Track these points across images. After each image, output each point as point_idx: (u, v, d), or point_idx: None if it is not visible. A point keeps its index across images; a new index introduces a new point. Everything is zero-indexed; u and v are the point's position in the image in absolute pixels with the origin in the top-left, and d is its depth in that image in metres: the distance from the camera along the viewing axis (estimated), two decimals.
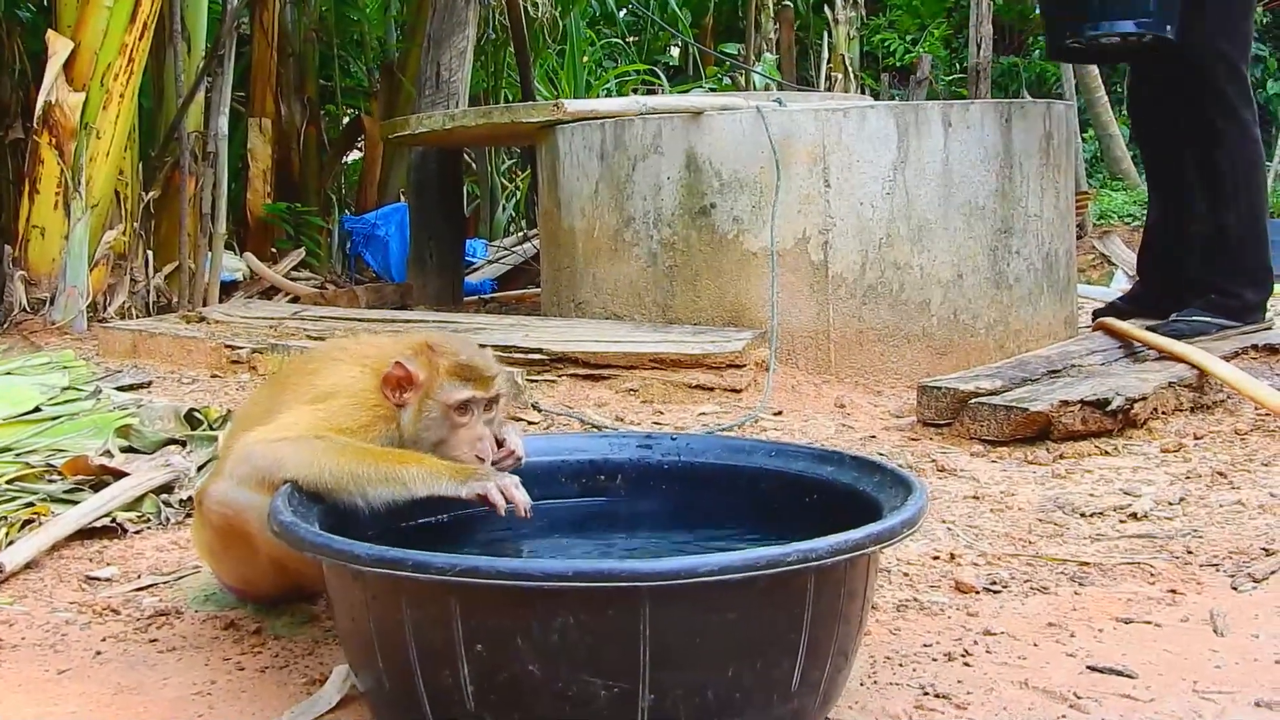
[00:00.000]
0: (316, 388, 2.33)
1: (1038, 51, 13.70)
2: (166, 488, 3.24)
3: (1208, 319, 4.80)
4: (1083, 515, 3.18)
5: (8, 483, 3.21)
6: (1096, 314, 5.28)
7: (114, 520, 3.04)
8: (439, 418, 2.32)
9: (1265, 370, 4.47)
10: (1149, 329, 4.79)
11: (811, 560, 1.77)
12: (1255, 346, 4.65)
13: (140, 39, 6.24)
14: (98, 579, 2.75)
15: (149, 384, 4.69)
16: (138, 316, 6.31)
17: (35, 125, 6.10)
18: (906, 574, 2.74)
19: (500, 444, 2.43)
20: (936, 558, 2.84)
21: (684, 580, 1.72)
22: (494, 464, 2.41)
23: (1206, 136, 4.86)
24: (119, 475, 3.23)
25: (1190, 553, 2.85)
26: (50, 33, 6.21)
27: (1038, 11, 5.65)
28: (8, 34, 7.30)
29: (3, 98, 6.98)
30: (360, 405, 2.29)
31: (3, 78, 7.06)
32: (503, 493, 2.14)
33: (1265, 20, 12.83)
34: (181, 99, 6.87)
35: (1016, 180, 4.95)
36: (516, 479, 2.17)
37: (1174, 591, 2.60)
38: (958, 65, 14.79)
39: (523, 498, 2.15)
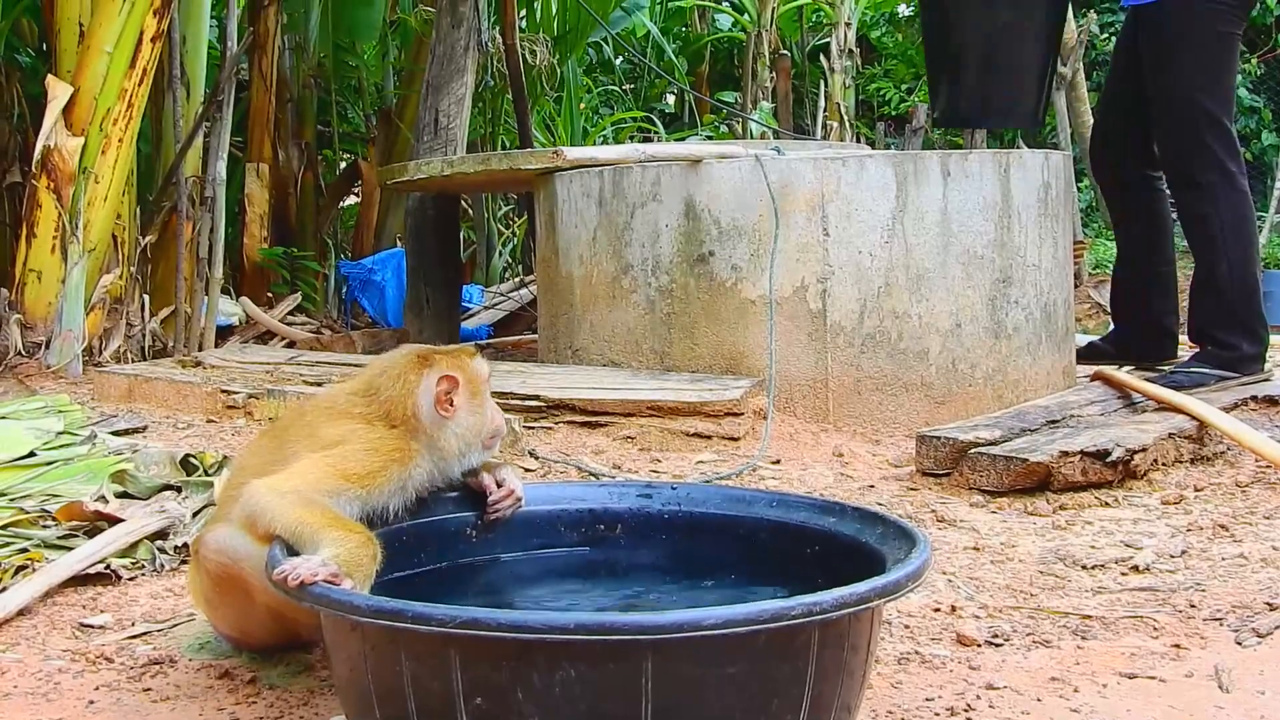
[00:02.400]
0: (322, 437, 2.33)
1: None
2: (161, 534, 3.22)
3: (1206, 370, 4.81)
4: (1084, 567, 3.16)
5: (1, 528, 3.19)
6: (1080, 353, 5.31)
7: (108, 566, 3.01)
8: (489, 398, 2.42)
9: (1265, 422, 4.47)
10: (1146, 380, 4.80)
11: (816, 614, 1.75)
12: (1255, 398, 4.65)
13: (140, 84, 6.26)
14: (91, 626, 2.72)
15: (144, 429, 4.67)
16: (133, 361, 6.29)
17: (33, 169, 6.10)
18: (907, 626, 2.71)
19: (500, 485, 2.44)
20: (937, 609, 2.82)
21: (687, 633, 1.70)
22: (495, 504, 2.43)
23: (1193, 189, 4.89)
24: (114, 521, 3.21)
25: (1193, 606, 2.82)
26: (50, 77, 6.22)
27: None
28: (7, 78, 7.33)
29: (1, 142, 6.99)
30: (372, 451, 2.29)
31: (1, 122, 7.07)
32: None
33: (1259, 71, 12.87)
34: (180, 144, 6.88)
35: (1015, 230, 4.95)
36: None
37: (1178, 646, 2.58)
38: None
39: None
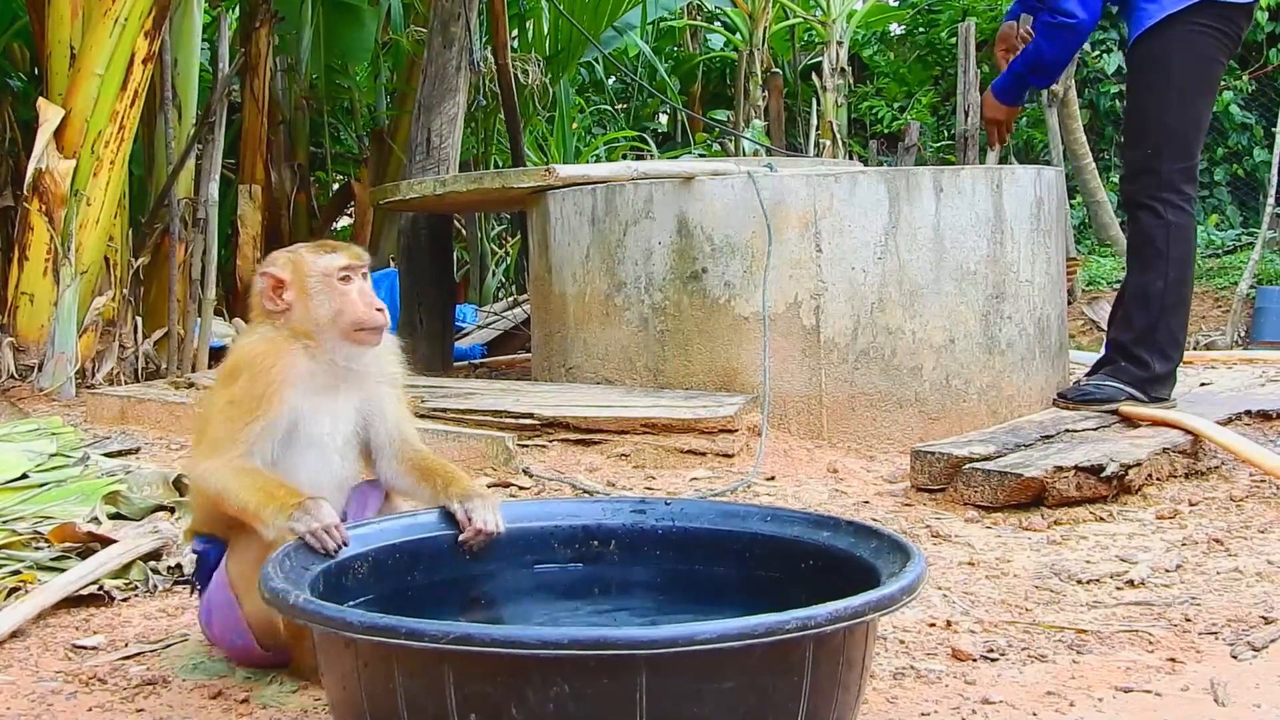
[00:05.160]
0: (224, 385, 2.45)
1: (1025, 119, 13.79)
2: (154, 554, 3.21)
3: (1119, 386, 4.75)
4: (1079, 582, 3.15)
5: None
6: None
7: (101, 588, 3.00)
8: (324, 290, 2.45)
9: (1259, 437, 4.47)
10: (1059, 396, 4.93)
11: (810, 628, 1.75)
12: (1249, 412, 4.65)
13: (131, 106, 6.27)
14: (84, 647, 2.71)
15: (137, 450, 4.66)
16: (126, 383, 6.28)
17: (25, 192, 6.11)
18: (903, 641, 2.71)
19: (470, 521, 2.39)
20: (933, 625, 2.81)
21: (681, 648, 1.70)
22: (464, 541, 2.39)
23: (1145, 208, 4.80)
24: (107, 542, 3.20)
25: (1189, 620, 2.82)
26: (41, 100, 6.23)
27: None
28: None
29: None
30: (257, 374, 2.39)
31: None
32: (325, 533, 2.19)
33: (1251, 88, 12.90)
34: (172, 166, 6.88)
35: (1008, 246, 4.95)
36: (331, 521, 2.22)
37: (1173, 660, 2.57)
38: (945, 132, 14.89)
39: (335, 540, 2.20)
